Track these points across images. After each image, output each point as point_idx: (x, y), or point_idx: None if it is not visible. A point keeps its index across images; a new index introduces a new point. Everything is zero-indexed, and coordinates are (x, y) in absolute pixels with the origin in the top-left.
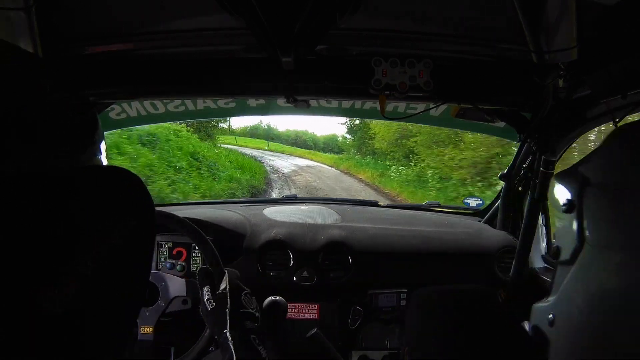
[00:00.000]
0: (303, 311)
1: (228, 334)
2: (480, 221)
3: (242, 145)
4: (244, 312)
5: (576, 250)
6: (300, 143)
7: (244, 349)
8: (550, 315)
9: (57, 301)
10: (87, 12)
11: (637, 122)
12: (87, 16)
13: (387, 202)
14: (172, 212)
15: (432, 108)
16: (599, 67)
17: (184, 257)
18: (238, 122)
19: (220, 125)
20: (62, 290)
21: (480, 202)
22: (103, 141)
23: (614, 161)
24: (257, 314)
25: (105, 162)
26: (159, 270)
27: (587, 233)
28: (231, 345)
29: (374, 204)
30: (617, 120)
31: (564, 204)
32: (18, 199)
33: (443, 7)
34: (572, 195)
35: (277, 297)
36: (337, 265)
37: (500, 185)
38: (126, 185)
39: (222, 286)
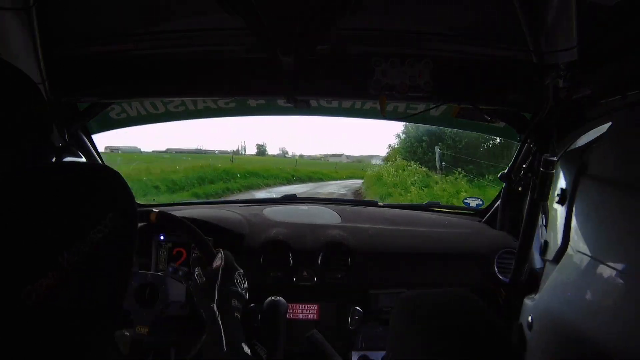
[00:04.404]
0: (303, 311)
1: (215, 307)
2: (480, 221)
3: None
4: (233, 290)
5: (560, 251)
6: None
7: (229, 326)
8: (529, 318)
9: (35, 294)
10: (87, 12)
11: None
12: (86, 16)
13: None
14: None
15: (432, 108)
16: (599, 67)
17: (183, 257)
18: None
19: None
20: (41, 283)
21: (480, 202)
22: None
23: (618, 155)
24: (247, 295)
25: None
26: (161, 272)
27: (572, 234)
28: (218, 319)
29: (374, 204)
30: (616, 120)
31: (558, 194)
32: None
33: (443, 7)
34: (566, 184)
35: (277, 298)
36: (337, 266)
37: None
38: (105, 181)
39: (217, 263)
